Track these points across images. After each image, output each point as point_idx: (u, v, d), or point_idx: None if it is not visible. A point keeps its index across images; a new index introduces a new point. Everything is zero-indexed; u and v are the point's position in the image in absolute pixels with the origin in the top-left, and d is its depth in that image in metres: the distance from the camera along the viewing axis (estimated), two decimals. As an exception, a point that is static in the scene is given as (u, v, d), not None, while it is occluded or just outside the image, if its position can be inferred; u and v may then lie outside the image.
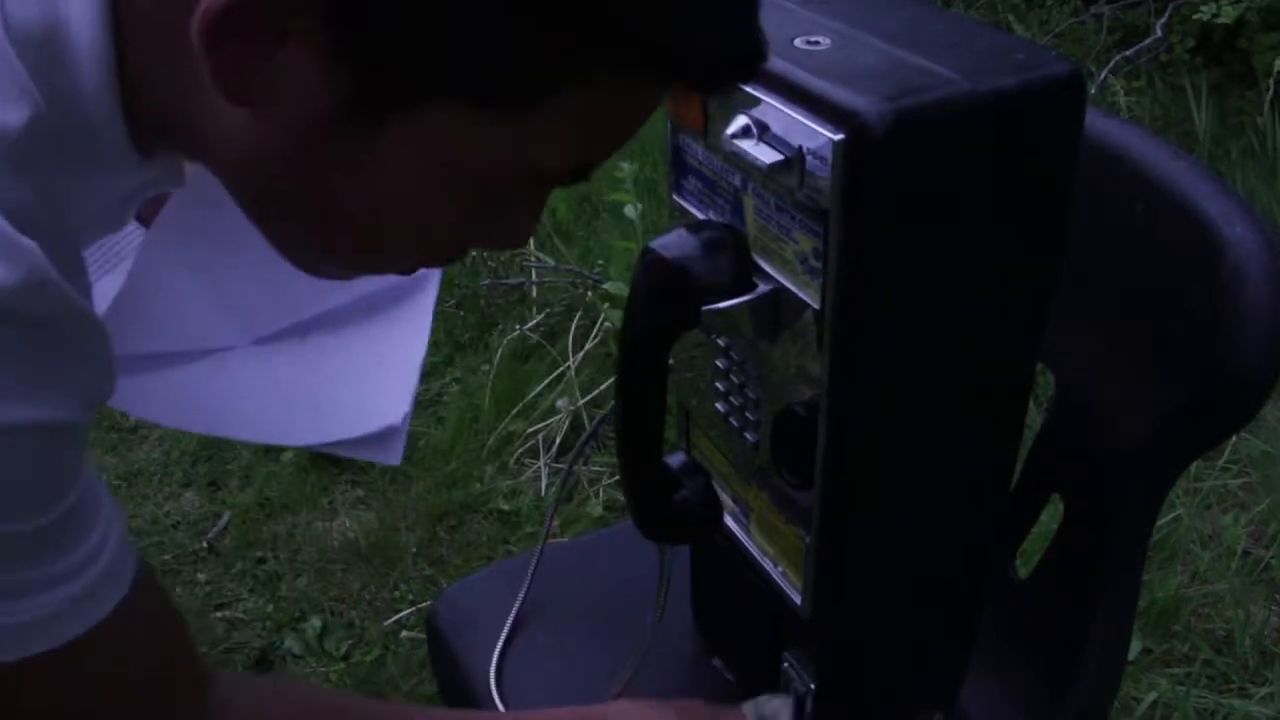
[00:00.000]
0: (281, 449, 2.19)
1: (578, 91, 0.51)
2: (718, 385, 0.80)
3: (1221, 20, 2.92)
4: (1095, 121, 0.72)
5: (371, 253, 0.60)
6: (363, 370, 0.95)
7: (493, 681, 0.98)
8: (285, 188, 0.54)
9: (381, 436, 0.90)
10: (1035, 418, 0.97)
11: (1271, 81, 2.76)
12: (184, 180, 0.63)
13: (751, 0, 0.54)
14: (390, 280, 0.94)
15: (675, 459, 0.84)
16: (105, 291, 0.87)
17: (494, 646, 1.00)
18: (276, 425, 0.94)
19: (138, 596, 0.57)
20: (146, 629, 0.59)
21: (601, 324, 2.25)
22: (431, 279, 0.98)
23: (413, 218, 0.56)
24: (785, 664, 0.83)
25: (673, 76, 0.54)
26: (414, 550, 1.97)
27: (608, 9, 0.48)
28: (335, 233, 0.57)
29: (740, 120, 0.65)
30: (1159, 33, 3.13)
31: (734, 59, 0.54)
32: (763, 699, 0.84)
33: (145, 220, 0.89)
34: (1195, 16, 2.99)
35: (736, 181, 0.69)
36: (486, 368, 2.32)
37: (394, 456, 0.90)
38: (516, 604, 1.02)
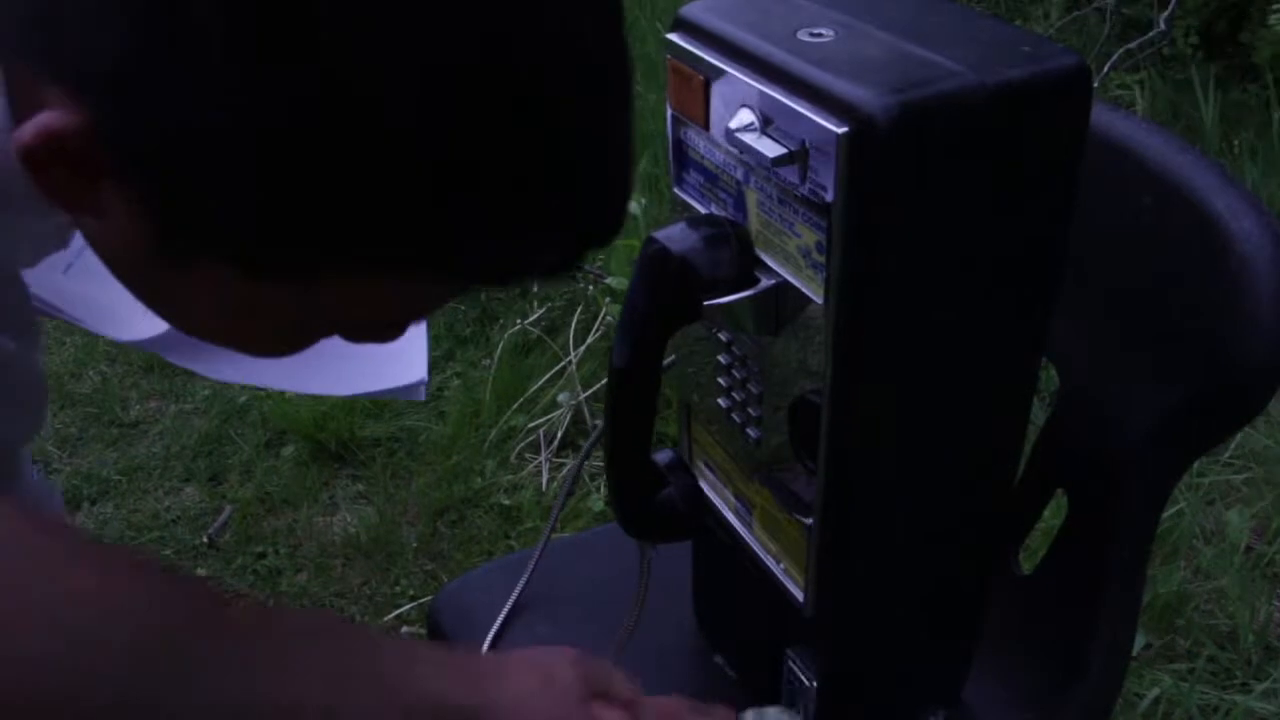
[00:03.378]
0: (282, 444, 2.19)
1: (360, 277, 0.51)
2: (720, 380, 0.79)
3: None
4: (1099, 114, 0.71)
5: (219, 341, 0.62)
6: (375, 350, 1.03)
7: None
8: (131, 282, 0.57)
9: (411, 387, 1.03)
10: (1039, 413, 0.96)
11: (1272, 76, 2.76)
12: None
13: (554, 209, 0.51)
14: None
15: (662, 456, 0.83)
16: None
17: (496, 642, 1.00)
18: (321, 380, 1.06)
19: None
20: None
21: (603, 318, 2.25)
22: None
23: (239, 330, 0.58)
24: (787, 661, 0.83)
25: (461, 282, 0.55)
26: (414, 545, 1.96)
27: (363, 220, 0.48)
28: (179, 322, 0.60)
29: (743, 113, 0.65)
30: (1162, 26, 3.12)
31: (533, 269, 0.54)
32: (769, 710, 0.83)
33: None
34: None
35: (739, 175, 0.69)
36: (488, 362, 2.32)
37: (421, 396, 1.05)
38: (512, 598, 1.02)
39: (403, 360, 1.01)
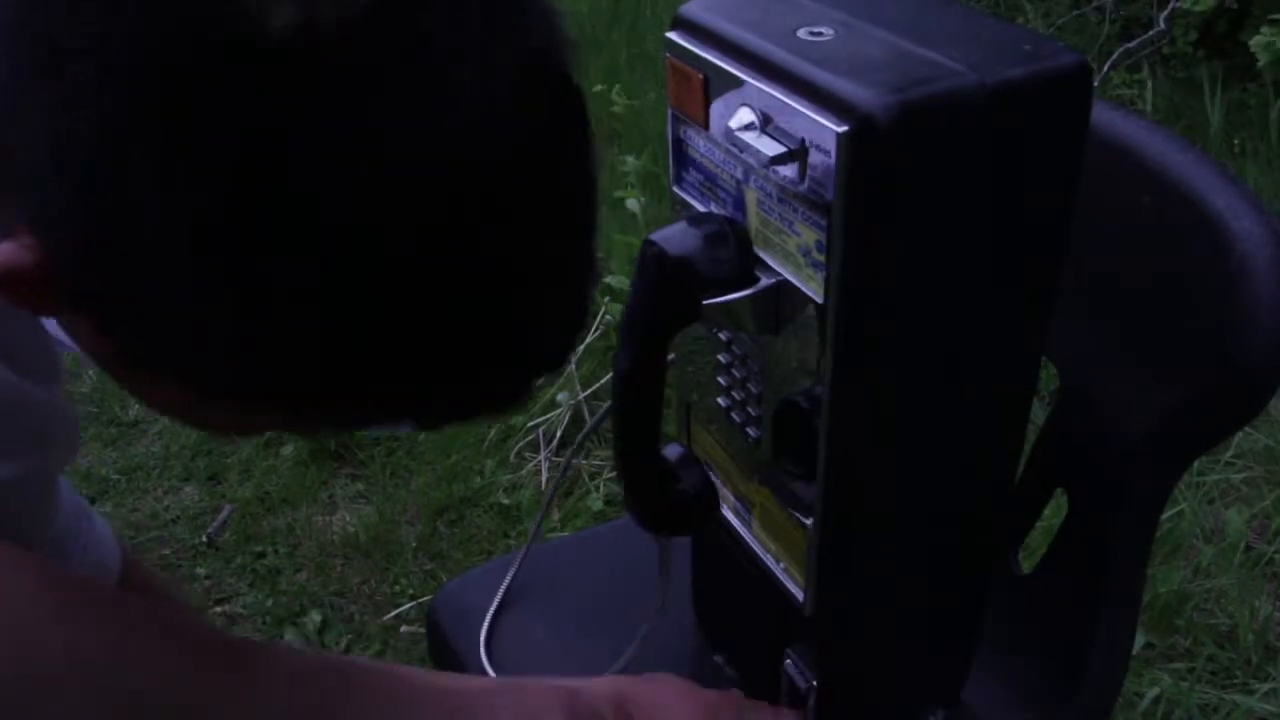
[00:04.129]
0: (281, 443, 2.19)
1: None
2: (719, 380, 0.79)
3: (1199, 9, 2.93)
4: (1099, 113, 0.71)
5: (183, 424, 0.63)
6: None
7: (484, 660, 0.98)
8: (103, 369, 0.58)
9: None
10: (1039, 412, 0.96)
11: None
12: None
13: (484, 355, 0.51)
14: None
15: (672, 450, 0.83)
16: None
17: (493, 640, 1.00)
18: None
19: None
20: None
21: (602, 317, 2.24)
22: None
23: (199, 423, 0.60)
24: (787, 661, 0.83)
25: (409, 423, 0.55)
26: (414, 544, 1.96)
27: (305, 376, 0.48)
28: (149, 406, 0.61)
29: (743, 112, 0.65)
30: (1161, 25, 3.12)
31: (478, 411, 0.55)
32: None
33: None
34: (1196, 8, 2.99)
35: (739, 174, 0.69)
36: (487, 361, 2.31)
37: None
38: (502, 589, 1.02)
39: None
